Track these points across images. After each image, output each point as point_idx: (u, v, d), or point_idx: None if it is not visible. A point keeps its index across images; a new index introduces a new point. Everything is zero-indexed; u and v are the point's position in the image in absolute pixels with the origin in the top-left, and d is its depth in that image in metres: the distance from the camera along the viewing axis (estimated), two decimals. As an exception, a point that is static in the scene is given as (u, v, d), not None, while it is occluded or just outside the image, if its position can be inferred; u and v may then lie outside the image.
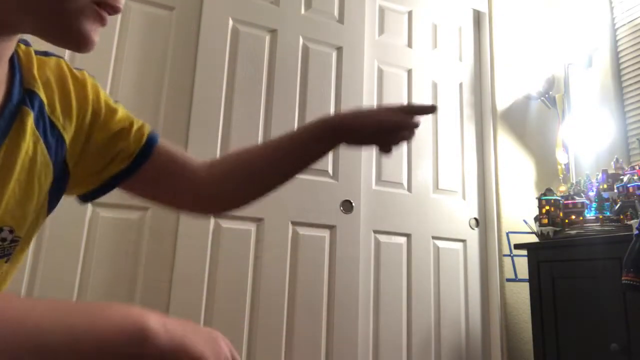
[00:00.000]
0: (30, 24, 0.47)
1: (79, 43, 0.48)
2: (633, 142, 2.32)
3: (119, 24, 1.81)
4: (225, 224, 1.82)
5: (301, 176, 1.97)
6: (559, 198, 2.01)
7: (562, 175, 2.39)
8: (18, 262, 0.58)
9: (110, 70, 1.76)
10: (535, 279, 1.92)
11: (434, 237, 2.24)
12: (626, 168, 1.96)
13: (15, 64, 0.53)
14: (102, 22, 0.49)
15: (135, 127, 0.65)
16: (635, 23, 2.38)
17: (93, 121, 0.61)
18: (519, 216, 2.31)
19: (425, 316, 2.13)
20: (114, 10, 0.50)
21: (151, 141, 0.66)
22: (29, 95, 0.54)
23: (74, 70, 0.61)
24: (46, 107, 0.55)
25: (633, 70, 2.37)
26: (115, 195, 0.70)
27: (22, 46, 0.56)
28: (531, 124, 2.54)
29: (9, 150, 0.50)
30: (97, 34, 0.49)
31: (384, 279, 2.08)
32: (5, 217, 0.51)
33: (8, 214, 0.51)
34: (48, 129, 0.55)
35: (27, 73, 0.55)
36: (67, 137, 0.58)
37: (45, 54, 0.59)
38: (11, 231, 0.53)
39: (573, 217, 1.93)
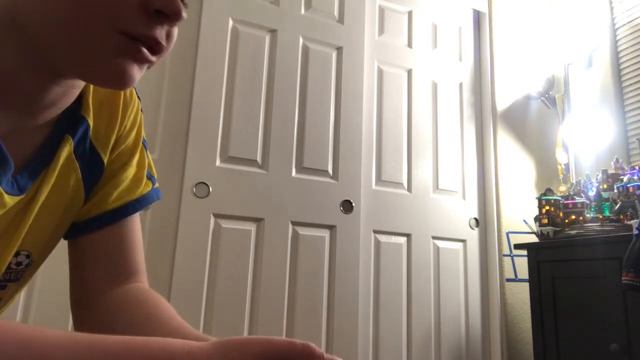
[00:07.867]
0: (69, 67, 0.45)
1: (112, 81, 0.44)
2: (633, 142, 2.32)
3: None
4: (225, 224, 1.82)
5: (301, 176, 1.99)
6: (559, 198, 2.01)
7: (562, 175, 2.39)
8: (26, 282, 0.57)
9: (110, 70, 1.76)
10: (535, 279, 1.91)
11: (434, 237, 2.24)
12: (626, 168, 1.96)
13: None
14: (137, 57, 0.43)
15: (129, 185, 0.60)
16: (635, 23, 2.37)
17: (116, 143, 0.59)
18: (519, 216, 2.31)
19: (425, 316, 2.13)
20: (153, 42, 0.43)
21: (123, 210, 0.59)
22: (76, 122, 0.53)
23: (133, 91, 0.60)
24: (91, 132, 0.54)
25: (633, 70, 2.37)
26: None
27: None
28: (531, 124, 2.54)
29: (45, 178, 0.50)
30: (134, 69, 0.43)
31: (384, 279, 2.08)
32: (26, 242, 0.51)
33: (30, 239, 0.51)
34: (88, 154, 0.55)
35: (84, 101, 0.53)
36: (106, 159, 0.57)
37: None
38: (28, 256, 0.53)
39: (573, 217, 1.93)
